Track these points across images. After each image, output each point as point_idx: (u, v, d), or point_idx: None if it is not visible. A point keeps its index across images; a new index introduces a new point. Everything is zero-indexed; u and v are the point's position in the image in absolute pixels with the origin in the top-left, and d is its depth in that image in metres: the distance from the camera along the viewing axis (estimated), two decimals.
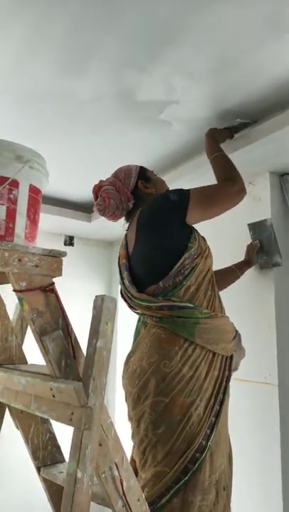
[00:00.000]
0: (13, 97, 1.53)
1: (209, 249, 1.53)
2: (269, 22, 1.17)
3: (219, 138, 1.66)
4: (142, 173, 1.65)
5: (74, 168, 2.16)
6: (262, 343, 1.81)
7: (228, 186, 1.47)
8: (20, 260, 0.92)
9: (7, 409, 1.29)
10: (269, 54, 1.30)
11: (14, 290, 0.94)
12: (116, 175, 1.65)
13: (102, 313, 0.96)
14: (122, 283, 1.57)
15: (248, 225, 1.92)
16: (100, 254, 3.35)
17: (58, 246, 3.13)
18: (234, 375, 1.49)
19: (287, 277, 1.89)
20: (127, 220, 1.67)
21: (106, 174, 1.67)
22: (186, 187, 1.51)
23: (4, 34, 1.23)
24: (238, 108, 1.59)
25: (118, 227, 2.29)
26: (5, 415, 1.31)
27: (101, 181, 1.64)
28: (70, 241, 3.20)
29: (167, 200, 1.48)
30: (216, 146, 1.60)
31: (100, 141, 1.87)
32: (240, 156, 1.75)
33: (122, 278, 1.58)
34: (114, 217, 1.65)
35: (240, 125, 1.67)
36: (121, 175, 1.63)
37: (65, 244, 3.19)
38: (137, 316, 1.58)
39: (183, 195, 1.46)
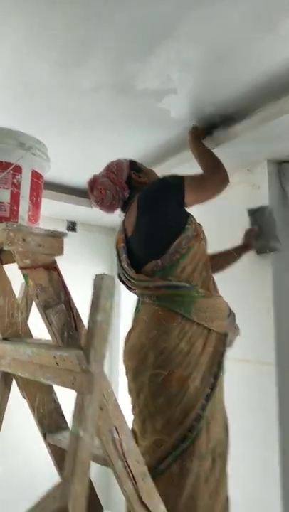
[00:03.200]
0: (14, 90, 1.59)
1: (204, 234, 1.61)
2: (256, 16, 1.22)
3: (200, 135, 1.79)
4: (133, 164, 1.76)
5: (76, 156, 2.22)
6: (260, 325, 1.88)
7: (216, 174, 1.62)
8: (24, 240, 0.99)
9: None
10: (262, 45, 1.34)
11: (19, 267, 1.02)
12: (108, 168, 1.74)
13: (101, 290, 1.03)
14: (121, 265, 1.64)
15: (248, 210, 1.98)
16: (102, 240, 3.42)
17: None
18: (232, 355, 1.57)
19: (285, 261, 1.95)
20: (124, 210, 1.75)
21: (106, 160, 1.74)
22: (188, 173, 1.61)
23: (4, 28, 1.28)
24: (233, 98, 1.64)
25: (118, 212, 2.34)
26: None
27: (95, 175, 1.74)
28: (72, 227, 3.27)
29: (166, 182, 1.59)
30: (199, 141, 1.76)
31: (100, 129, 1.92)
32: (239, 144, 1.81)
33: (120, 261, 1.65)
34: (111, 207, 1.74)
35: (219, 123, 1.79)
36: (113, 167, 1.73)
37: (68, 229, 3.26)
38: (135, 297, 1.66)
39: (179, 178, 1.58)
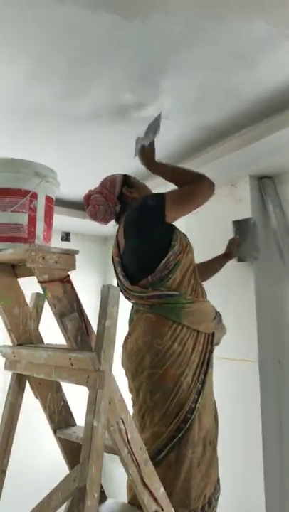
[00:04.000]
0: (24, 115, 1.75)
1: (189, 244, 1.72)
2: (238, 56, 1.41)
3: (150, 154, 1.76)
4: (126, 180, 1.85)
5: (71, 172, 2.39)
6: (243, 325, 2.07)
7: (201, 182, 1.63)
8: (43, 258, 1.15)
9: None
10: (240, 79, 1.53)
11: (39, 281, 1.18)
12: (103, 184, 1.84)
13: (108, 299, 1.20)
14: (117, 277, 1.80)
15: (233, 221, 2.16)
16: (95, 249, 3.58)
17: (55, 241, 3.36)
18: (220, 354, 1.74)
19: (265, 269, 2.14)
20: (117, 221, 1.88)
21: (98, 175, 1.87)
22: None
23: (16, 65, 1.45)
24: (219, 123, 1.83)
25: (111, 223, 2.48)
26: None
27: (90, 191, 1.84)
28: (66, 237, 3.42)
29: (146, 205, 1.65)
30: (154, 162, 1.74)
31: (96, 149, 2.10)
32: (224, 162, 2.00)
33: (116, 273, 1.81)
34: (104, 221, 1.87)
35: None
36: (107, 184, 1.83)
37: (62, 239, 3.40)
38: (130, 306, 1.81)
39: (159, 199, 1.63)
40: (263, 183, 2.17)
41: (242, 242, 2.10)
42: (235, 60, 1.42)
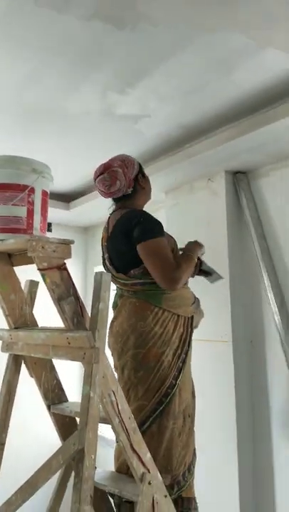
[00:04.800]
0: (21, 112, 1.84)
1: (175, 247, 1.81)
2: (218, 62, 1.55)
3: (198, 251, 1.85)
4: (141, 168, 1.84)
5: (59, 164, 2.47)
6: (219, 310, 2.24)
7: (174, 270, 1.65)
8: (43, 247, 1.27)
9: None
10: (220, 83, 1.68)
11: (38, 269, 1.29)
12: (122, 159, 1.77)
13: (101, 285, 1.33)
14: (104, 263, 1.91)
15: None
16: (76, 239, 3.65)
17: None
18: (198, 336, 1.89)
19: (239, 258, 2.32)
20: (116, 202, 1.88)
21: (85, 169, 1.93)
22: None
23: (16, 68, 1.54)
24: (197, 122, 1.98)
25: (93, 215, 2.59)
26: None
27: (111, 161, 1.77)
28: (48, 227, 3.50)
29: (134, 227, 1.67)
30: (191, 249, 1.82)
31: (80, 144, 2.20)
32: (202, 158, 2.14)
33: (103, 258, 1.92)
34: (111, 194, 1.82)
35: (212, 276, 1.92)
36: (127, 162, 1.77)
37: None
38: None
39: (140, 237, 1.65)
40: (237, 177, 2.33)
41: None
42: (215, 65, 1.56)
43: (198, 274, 1.91)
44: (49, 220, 3.41)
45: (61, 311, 1.31)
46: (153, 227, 1.69)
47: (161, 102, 1.80)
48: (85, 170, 2.00)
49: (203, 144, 2.08)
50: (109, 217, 1.88)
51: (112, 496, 1.70)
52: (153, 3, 1.24)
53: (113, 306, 1.92)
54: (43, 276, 1.31)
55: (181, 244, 1.89)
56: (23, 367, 1.62)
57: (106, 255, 1.87)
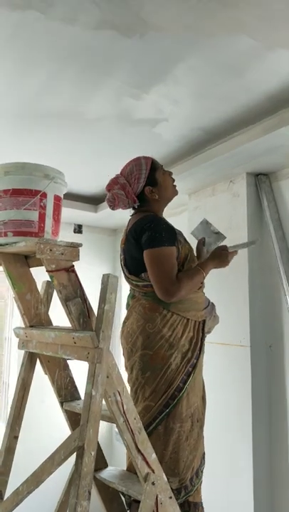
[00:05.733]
0: (40, 117, 1.91)
1: (190, 252, 1.81)
2: (227, 65, 1.54)
3: (217, 263, 1.83)
4: (151, 175, 1.82)
5: (82, 169, 2.56)
6: (237, 313, 2.22)
7: (172, 284, 1.66)
8: (51, 250, 1.33)
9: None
10: (231, 86, 1.67)
11: (47, 270, 1.35)
12: (128, 176, 1.83)
13: (107, 286, 1.37)
14: (121, 263, 1.96)
15: (191, 233, 2.11)
16: (105, 240, 3.76)
17: (69, 233, 3.55)
18: (215, 339, 1.88)
19: (258, 262, 2.28)
20: (134, 209, 1.93)
21: (107, 172, 1.95)
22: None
23: (30, 77, 1.61)
24: (214, 125, 1.97)
25: (121, 217, 2.63)
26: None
27: (114, 182, 1.85)
28: (78, 229, 3.61)
29: (143, 233, 1.71)
30: (207, 264, 1.80)
31: (103, 149, 2.26)
32: (221, 160, 2.14)
33: (120, 260, 1.97)
34: (122, 209, 1.92)
35: (245, 245, 1.92)
36: (131, 178, 1.82)
37: (75, 231, 3.60)
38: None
39: (149, 243, 1.68)
40: (259, 179, 2.29)
41: (207, 240, 2.04)
42: (225, 69, 1.56)
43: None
44: (79, 222, 3.59)
45: (68, 312, 1.36)
46: (160, 236, 1.69)
47: (176, 105, 1.82)
48: (109, 172, 2.05)
49: (222, 146, 2.07)
50: (129, 220, 1.93)
51: (124, 494, 1.74)
52: (156, 11, 1.26)
53: (126, 306, 1.96)
54: (51, 277, 1.36)
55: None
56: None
57: (122, 256, 1.92)
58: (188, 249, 1.83)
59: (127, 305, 1.93)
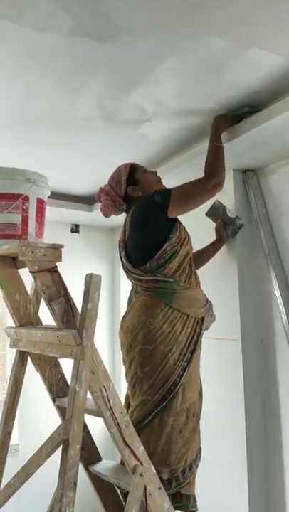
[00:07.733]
0: (28, 119, 1.94)
1: (188, 238, 1.90)
2: (206, 66, 1.57)
3: (223, 127, 1.89)
4: (131, 177, 1.97)
5: (76, 169, 2.60)
6: (229, 309, 2.24)
7: (206, 182, 1.78)
8: (33, 252, 1.38)
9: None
10: (211, 85, 1.69)
11: (30, 271, 1.40)
12: (110, 182, 2.00)
13: (90, 286, 1.41)
14: (121, 260, 2.01)
15: (206, 214, 2.29)
16: (103, 239, 3.79)
17: (66, 233, 3.59)
18: (208, 334, 1.92)
19: (248, 256, 2.30)
20: (127, 212, 2.05)
21: (100, 172, 2.02)
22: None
23: (14, 83, 1.65)
24: (199, 123, 2.00)
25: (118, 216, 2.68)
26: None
27: (101, 190, 2.02)
28: (76, 229, 3.65)
29: (152, 201, 1.82)
30: (217, 136, 1.86)
31: (94, 149, 2.30)
32: None
33: (120, 257, 2.01)
34: (115, 215, 2.09)
35: (247, 113, 1.88)
36: (113, 183, 1.98)
37: (72, 231, 3.63)
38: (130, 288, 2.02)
39: (165, 197, 1.80)
40: (247, 175, 2.31)
41: (224, 223, 2.24)
42: (204, 69, 1.58)
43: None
44: (76, 222, 3.63)
45: (52, 311, 1.41)
46: (162, 190, 1.88)
47: (159, 106, 1.84)
48: (100, 173, 2.09)
49: (206, 144, 2.09)
50: (125, 220, 2.04)
51: (119, 487, 1.79)
52: (127, 17, 1.29)
53: (128, 300, 2.00)
54: (34, 278, 1.41)
55: (193, 242, 1.98)
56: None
57: (122, 253, 1.99)
58: (186, 233, 1.90)
59: (129, 300, 1.97)
